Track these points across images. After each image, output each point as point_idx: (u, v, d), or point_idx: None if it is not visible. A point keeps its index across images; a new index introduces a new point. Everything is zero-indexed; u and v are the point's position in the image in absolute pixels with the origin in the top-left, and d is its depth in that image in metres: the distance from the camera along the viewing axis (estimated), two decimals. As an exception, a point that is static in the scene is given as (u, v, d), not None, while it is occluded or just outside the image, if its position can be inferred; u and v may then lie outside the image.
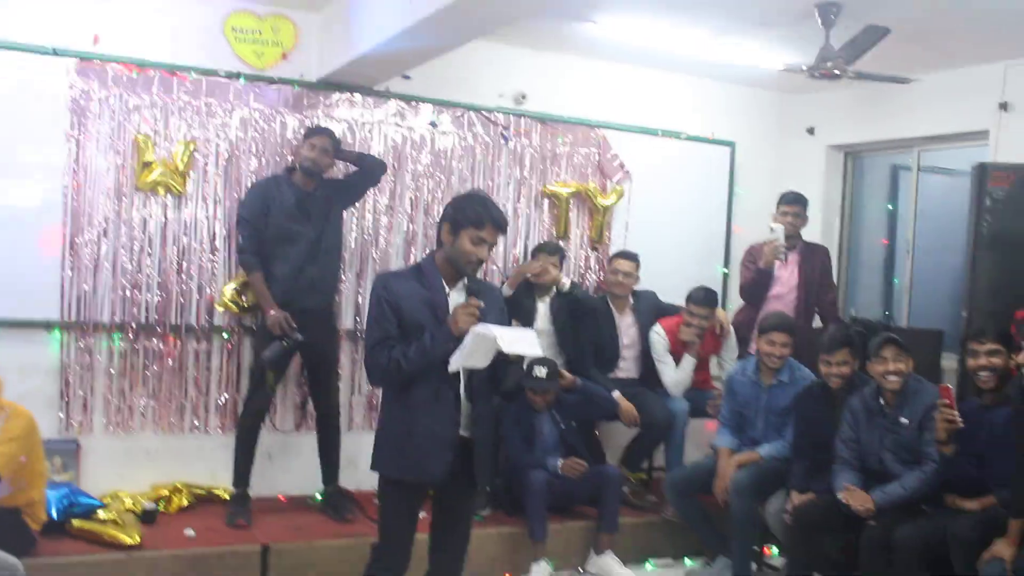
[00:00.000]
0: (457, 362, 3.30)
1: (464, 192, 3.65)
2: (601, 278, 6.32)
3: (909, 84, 5.56)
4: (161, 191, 5.27)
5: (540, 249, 5.73)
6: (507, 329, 3.33)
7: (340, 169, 5.51)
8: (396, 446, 3.46)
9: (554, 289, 5.66)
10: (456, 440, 3.43)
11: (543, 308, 5.67)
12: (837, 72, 5.07)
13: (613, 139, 6.45)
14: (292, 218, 5.06)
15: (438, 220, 3.57)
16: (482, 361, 3.33)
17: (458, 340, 3.30)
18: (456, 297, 3.47)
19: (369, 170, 5.37)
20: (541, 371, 5.24)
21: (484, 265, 3.58)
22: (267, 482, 5.49)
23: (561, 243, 6.20)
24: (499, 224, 3.42)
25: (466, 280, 3.48)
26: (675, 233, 6.63)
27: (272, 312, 4.97)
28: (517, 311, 5.49)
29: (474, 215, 3.38)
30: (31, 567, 3.86)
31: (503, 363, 3.39)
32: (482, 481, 3.54)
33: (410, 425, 3.42)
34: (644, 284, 6.04)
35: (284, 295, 5.03)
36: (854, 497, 4.41)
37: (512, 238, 6.15)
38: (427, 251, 5.80)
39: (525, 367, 5.13)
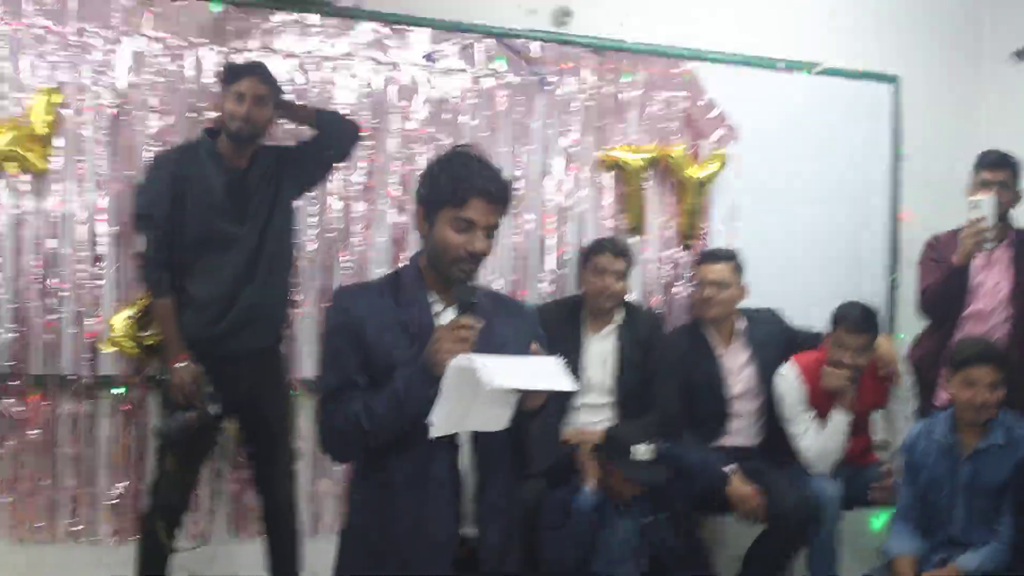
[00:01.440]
0: (442, 420, 3.19)
1: (441, 154, 3.57)
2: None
3: None
4: (12, 168, 5.17)
5: (596, 250, 5.64)
6: (508, 359, 3.19)
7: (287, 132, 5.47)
8: (366, 551, 3.41)
9: (618, 318, 5.64)
10: (455, 541, 3.34)
11: (598, 347, 5.58)
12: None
13: (708, 77, 6.37)
14: (219, 212, 5.00)
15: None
16: (488, 419, 3.24)
17: (439, 382, 3.22)
18: (450, 318, 3.38)
19: (330, 137, 5.30)
20: (644, 451, 5.05)
21: (485, 260, 3.46)
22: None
23: (632, 240, 6.07)
24: (489, 192, 3.31)
25: (459, 291, 3.42)
26: (809, 220, 6.58)
27: (178, 364, 4.90)
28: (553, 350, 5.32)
29: (449, 186, 3.32)
30: None
31: (526, 419, 3.31)
32: None
33: (386, 518, 3.35)
34: (765, 300, 5.93)
35: (206, 332, 4.96)
36: None
37: (559, 234, 6.05)
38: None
39: (619, 446, 5.07)
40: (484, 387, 3.05)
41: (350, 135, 5.34)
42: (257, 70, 5.07)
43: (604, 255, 5.57)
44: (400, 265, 3.58)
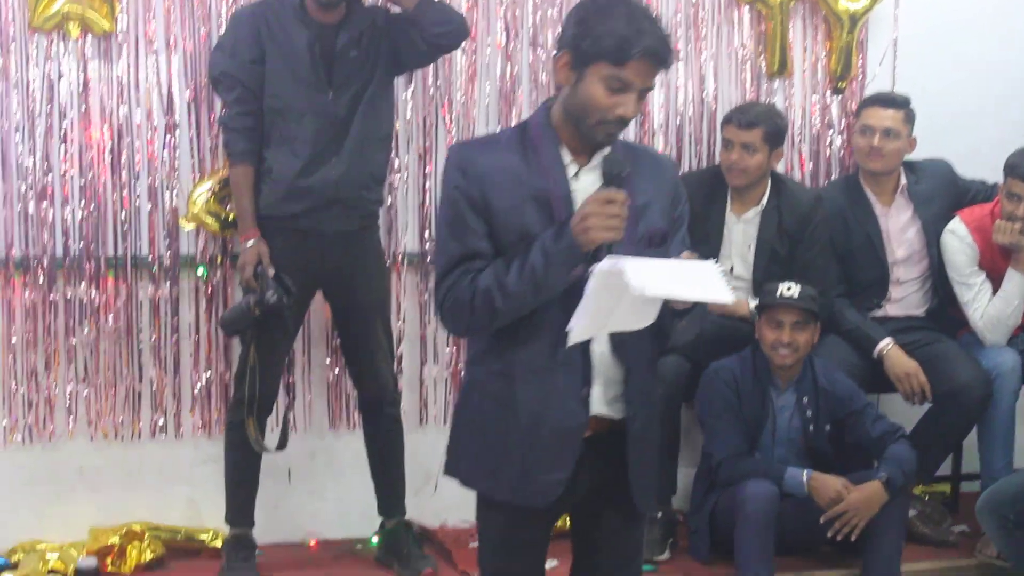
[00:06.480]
0: (582, 326, 3.28)
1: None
2: (848, 146, 6.32)
3: None
4: (74, 30, 5.36)
5: (724, 120, 5.82)
6: (659, 262, 3.28)
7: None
8: (483, 441, 3.56)
9: (764, 197, 5.75)
10: (583, 428, 3.47)
11: (741, 231, 5.77)
12: None
13: None
14: (301, 74, 5.14)
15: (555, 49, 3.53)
16: (631, 320, 3.31)
17: (587, 260, 3.27)
18: (589, 182, 3.44)
19: (428, 33, 5.17)
20: (790, 288, 5.31)
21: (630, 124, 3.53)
22: (286, 517, 5.73)
23: (776, 86, 6.24)
24: (655, 55, 3.33)
25: (605, 153, 3.46)
26: (985, 57, 6.53)
27: (247, 243, 5.13)
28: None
29: (611, 39, 3.30)
30: None
31: (671, 313, 3.39)
32: (645, 502, 3.62)
33: (507, 406, 3.49)
34: (931, 150, 6.04)
35: (280, 210, 5.18)
36: None
37: (677, 88, 6.12)
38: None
39: (758, 290, 5.43)
40: (633, 294, 3.09)
41: (455, 34, 5.24)
42: None
43: (729, 126, 5.68)
44: (523, 120, 3.65)
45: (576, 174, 3.43)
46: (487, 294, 3.33)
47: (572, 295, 3.28)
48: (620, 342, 3.43)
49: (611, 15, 3.32)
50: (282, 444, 5.33)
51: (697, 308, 3.37)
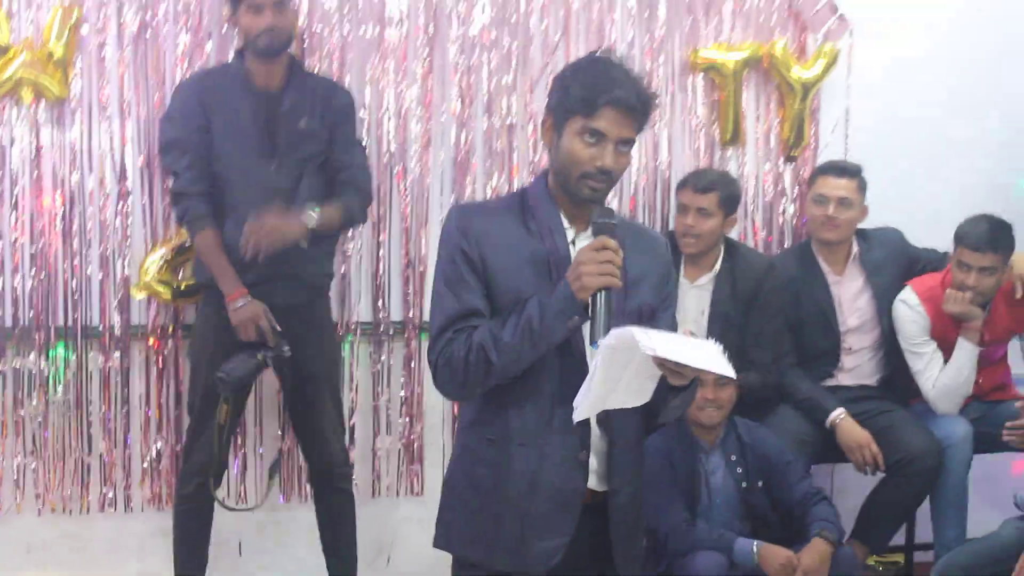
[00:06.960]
0: (588, 403, 3.28)
1: (579, 59, 3.66)
2: (801, 214, 6.34)
3: None
4: (27, 95, 5.36)
5: (680, 184, 5.79)
6: (664, 334, 3.26)
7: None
8: (477, 508, 3.56)
9: (716, 264, 5.73)
10: (581, 492, 3.50)
11: (694, 297, 5.72)
12: None
13: (814, -46, 6.33)
14: (245, 145, 5.14)
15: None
16: (630, 396, 3.33)
17: (583, 310, 3.30)
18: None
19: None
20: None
21: (617, 178, 3.51)
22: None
23: (729, 154, 6.24)
24: (625, 101, 3.37)
25: (594, 214, 3.45)
26: (937, 128, 6.53)
27: (240, 302, 5.03)
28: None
29: (580, 93, 3.39)
30: None
31: (666, 390, 3.38)
32: (628, 573, 3.62)
33: (502, 472, 3.50)
34: (883, 218, 6.05)
35: None
36: None
37: (638, 154, 6.06)
38: (496, 180, 5.91)
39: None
40: (641, 354, 3.10)
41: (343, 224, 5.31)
42: None
43: (685, 190, 5.64)
44: (522, 187, 3.72)
45: (574, 240, 3.48)
46: (481, 350, 3.34)
47: (566, 357, 3.39)
48: (605, 416, 3.45)
49: (588, 73, 3.42)
50: (261, 501, 5.39)
51: (690, 387, 3.39)
